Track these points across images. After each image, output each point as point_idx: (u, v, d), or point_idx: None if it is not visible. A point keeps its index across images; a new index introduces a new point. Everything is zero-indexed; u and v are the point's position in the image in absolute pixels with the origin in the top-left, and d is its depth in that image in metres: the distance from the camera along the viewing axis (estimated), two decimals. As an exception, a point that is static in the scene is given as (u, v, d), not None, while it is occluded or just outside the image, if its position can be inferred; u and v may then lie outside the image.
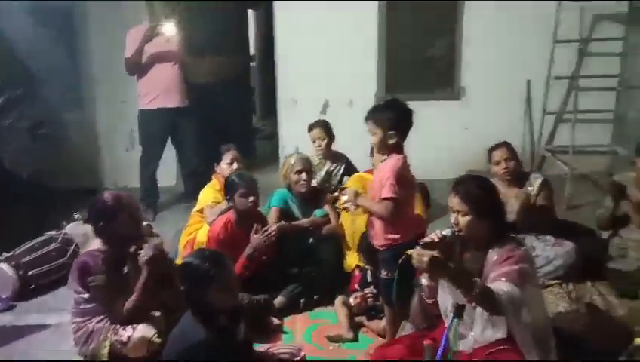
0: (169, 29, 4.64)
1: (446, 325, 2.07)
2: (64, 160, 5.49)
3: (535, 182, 3.69)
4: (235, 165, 3.73)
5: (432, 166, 4.97)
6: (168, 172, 5.54)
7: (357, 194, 2.79)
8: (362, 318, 3.16)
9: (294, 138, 5.34)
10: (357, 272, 3.43)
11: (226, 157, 3.74)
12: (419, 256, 2.08)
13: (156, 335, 2.64)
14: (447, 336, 1.99)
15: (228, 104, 6.23)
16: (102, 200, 2.73)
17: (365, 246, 3.12)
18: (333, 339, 3.00)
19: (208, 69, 5.83)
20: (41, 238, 3.85)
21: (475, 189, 2.31)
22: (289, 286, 3.37)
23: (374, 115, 2.74)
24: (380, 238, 2.77)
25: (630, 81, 5.39)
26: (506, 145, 3.71)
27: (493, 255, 2.29)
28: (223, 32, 6.14)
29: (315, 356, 2.86)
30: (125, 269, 2.72)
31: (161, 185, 5.41)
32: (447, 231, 2.28)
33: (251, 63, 8.55)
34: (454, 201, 2.32)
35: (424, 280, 2.42)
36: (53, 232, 3.95)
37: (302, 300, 3.35)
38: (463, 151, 5.44)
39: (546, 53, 5.42)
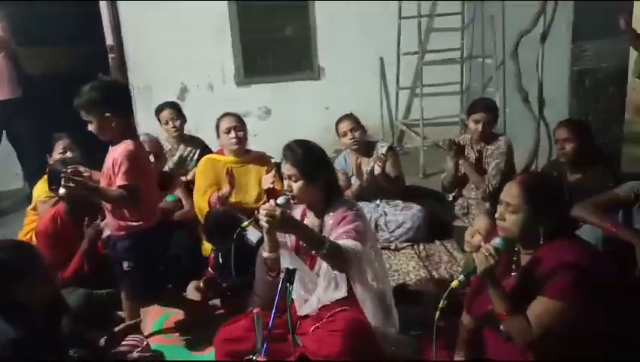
0: None
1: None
2: None
3: (382, 150, 3.82)
4: (68, 154, 3.45)
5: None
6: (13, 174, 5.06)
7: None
8: (217, 301, 3.07)
9: (152, 127, 5.11)
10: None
11: (58, 147, 3.46)
12: (268, 211, 2.05)
13: None
14: (277, 303, 1.95)
15: (73, 97, 5.78)
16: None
17: (212, 227, 3.03)
18: (183, 325, 2.88)
19: (49, 60, 5.38)
20: None
21: (304, 153, 2.30)
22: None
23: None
24: (116, 226, 2.61)
25: (471, 53, 5.79)
26: (350, 116, 3.81)
27: (329, 219, 2.32)
28: (64, 20, 5.68)
29: (164, 344, 2.73)
30: None
31: (7, 188, 4.93)
32: (280, 200, 2.26)
33: (111, 55, 8.08)
34: (286, 167, 2.31)
35: (265, 253, 2.38)
36: None
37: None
38: (326, 130, 5.52)
39: (395, 30, 5.64)
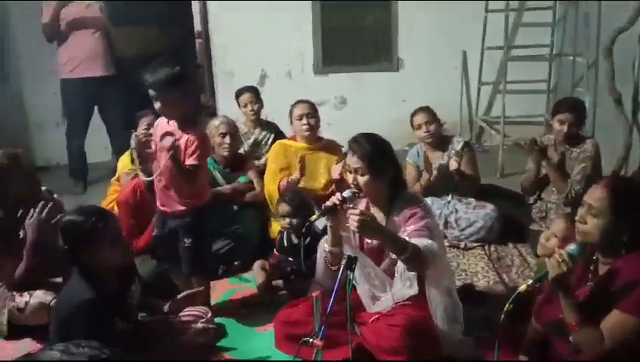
0: None
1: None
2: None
3: (457, 145, 3.71)
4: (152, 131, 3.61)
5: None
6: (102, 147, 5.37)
7: None
8: (280, 282, 3.12)
9: (233, 111, 5.26)
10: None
11: (142, 123, 3.63)
12: (359, 216, 2.03)
13: (54, 300, 2.54)
14: (336, 290, 1.95)
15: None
16: None
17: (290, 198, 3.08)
18: (247, 303, 2.95)
19: (139, 40, 5.65)
20: None
21: (371, 147, 2.27)
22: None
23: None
24: (175, 203, 2.64)
25: (562, 50, 5.48)
26: (426, 109, 3.73)
27: (395, 215, 2.29)
28: (157, 3, 5.95)
29: (228, 318, 2.82)
30: (21, 234, 2.60)
31: (96, 160, 5.24)
32: (346, 193, 2.26)
33: (198, 40, 8.38)
34: (352, 160, 2.29)
35: (326, 246, 2.39)
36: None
37: (221, 267, 3.29)
38: (401, 123, 5.44)
39: (481, 24, 5.44)
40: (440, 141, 3.74)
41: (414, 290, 2.28)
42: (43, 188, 2.84)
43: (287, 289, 3.07)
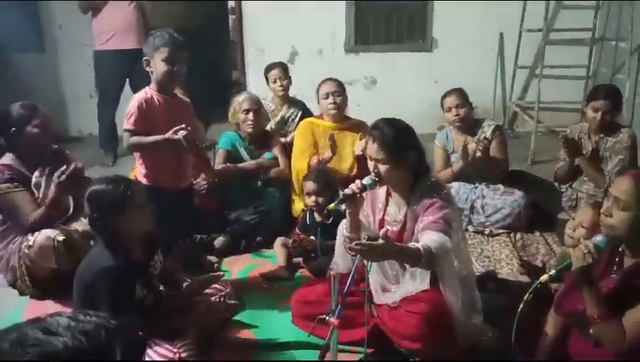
0: None
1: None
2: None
3: (488, 129, 3.62)
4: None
5: (402, 118, 4.90)
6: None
7: None
8: (300, 260, 3.13)
9: (262, 88, 5.25)
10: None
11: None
12: (363, 245, 1.88)
13: (59, 233, 2.62)
14: (354, 271, 1.94)
15: (198, 53, 6.06)
16: (14, 107, 2.74)
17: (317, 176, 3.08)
18: (267, 277, 2.98)
19: (173, 13, 5.66)
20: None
21: (393, 135, 2.20)
22: (230, 227, 3.33)
23: None
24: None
25: (604, 35, 5.27)
26: (458, 91, 3.63)
27: (416, 203, 2.24)
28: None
29: (249, 293, 2.85)
30: (33, 180, 2.72)
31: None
32: (367, 180, 2.21)
33: (231, 16, 8.37)
34: (372, 148, 2.22)
35: (346, 232, 2.36)
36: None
37: (242, 241, 3.32)
38: (432, 105, 5.34)
39: (519, 5, 5.27)
40: (470, 125, 3.66)
41: (426, 284, 2.25)
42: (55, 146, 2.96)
43: (307, 267, 3.08)
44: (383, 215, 2.37)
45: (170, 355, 2.10)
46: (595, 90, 3.41)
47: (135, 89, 4.98)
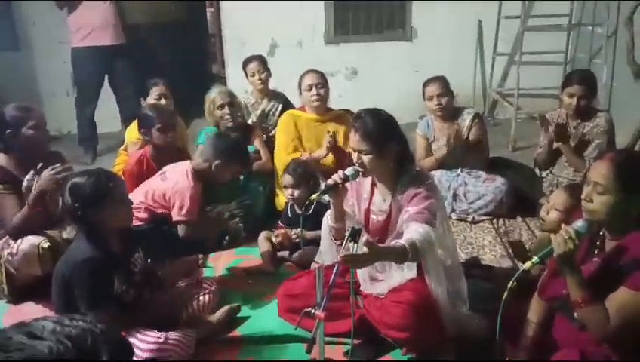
0: None
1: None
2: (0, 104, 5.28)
3: (467, 117, 3.64)
4: (163, 101, 3.59)
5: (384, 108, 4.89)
6: (112, 117, 5.37)
7: None
8: (285, 253, 3.12)
9: (242, 81, 5.21)
10: (286, 209, 3.37)
11: (154, 93, 3.60)
12: (347, 257, 1.88)
13: (44, 240, 2.57)
14: (339, 262, 1.93)
15: (177, 47, 6.01)
16: (8, 109, 2.69)
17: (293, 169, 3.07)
18: (251, 272, 2.96)
19: (150, 9, 5.59)
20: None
21: (375, 125, 2.18)
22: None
23: None
24: None
25: (580, 20, 5.32)
26: (439, 79, 3.64)
27: (400, 193, 2.23)
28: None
29: (234, 288, 2.83)
30: (24, 183, 2.63)
31: (106, 130, 5.25)
32: (349, 171, 2.20)
33: (209, 9, 8.27)
34: (355, 139, 2.21)
35: (331, 223, 2.36)
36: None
37: (226, 237, 3.29)
38: (413, 95, 5.34)
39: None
40: (451, 113, 3.67)
41: (413, 273, 2.26)
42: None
43: (291, 260, 3.07)
44: (369, 205, 2.37)
45: (155, 339, 2.11)
46: (569, 76, 3.43)
47: (114, 86, 4.93)
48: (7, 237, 2.65)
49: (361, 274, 2.38)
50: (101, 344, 0.93)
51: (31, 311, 2.62)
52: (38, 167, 2.61)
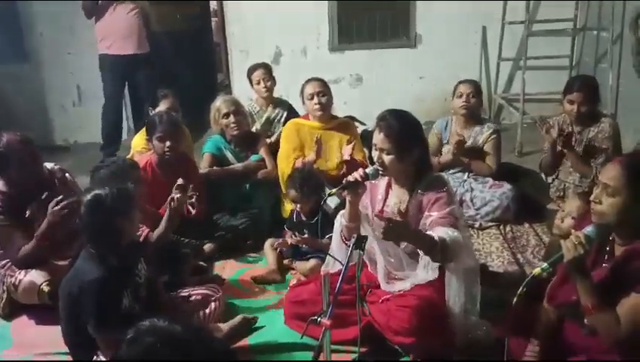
0: None
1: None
2: (9, 116, 5.31)
3: (487, 131, 3.65)
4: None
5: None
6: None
7: None
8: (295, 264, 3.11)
9: (248, 90, 5.23)
10: (293, 218, 3.37)
11: (163, 105, 3.61)
12: (380, 222, 1.94)
13: (46, 283, 2.58)
14: (345, 269, 1.93)
15: (185, 56, 6.05)
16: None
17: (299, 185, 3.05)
18: (258, 280, 2.96)
19: (162, 18, 5.62)
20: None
21: (400, 126, 2.19)
22: (220, 232, 3.31)
23: None
24: None
25: (585, 24, 5.30)
26: (474, 82, 3.70)
27: (420, 196, 2.24)
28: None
29: (240, 297, 2.82)
30: (28, 213, 2.64)
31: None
32: (370, 170, 2.21)
33: (214, 18, 8.34)
34: (378, 138, 2.21)
35: (343, 221, 2.36)
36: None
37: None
38: (418, 101, 5.35)
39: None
40: (473, 119, 3.67)
41: (435, 274, 2.24)
42: (56, 166, 2.86)
43: (297, 269, 3.06)
44: (383, 206, 2.36)
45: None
46: (569, 83, 3.40)
47: (131, 94, 4.95)
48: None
49: (379, 274, 2.38)
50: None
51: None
52: (43, 197, 2.60)
